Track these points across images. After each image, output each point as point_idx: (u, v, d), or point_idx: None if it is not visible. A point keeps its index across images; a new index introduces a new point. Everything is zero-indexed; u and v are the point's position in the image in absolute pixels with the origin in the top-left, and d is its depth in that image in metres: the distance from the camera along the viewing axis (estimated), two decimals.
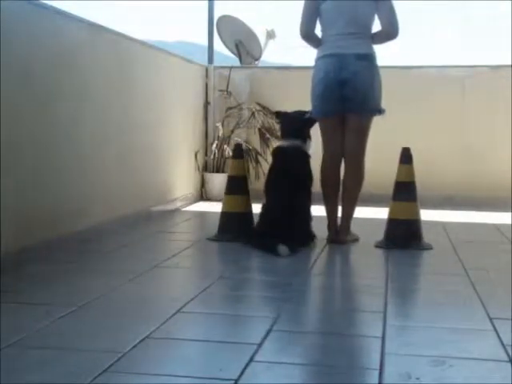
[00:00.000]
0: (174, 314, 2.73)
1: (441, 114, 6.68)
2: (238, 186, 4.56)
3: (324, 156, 4.53)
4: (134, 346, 2.33)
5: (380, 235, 4.41)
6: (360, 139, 4.42)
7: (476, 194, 6.49)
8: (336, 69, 4.28)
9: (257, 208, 4.46)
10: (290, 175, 4.29)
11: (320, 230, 4.51)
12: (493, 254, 4.23)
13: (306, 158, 4.40)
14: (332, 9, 4.33)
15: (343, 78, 4.26)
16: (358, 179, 4.45)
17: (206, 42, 7.25)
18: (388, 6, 4.31)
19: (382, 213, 4.65)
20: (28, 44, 3.67)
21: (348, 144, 4.43)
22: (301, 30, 4.46)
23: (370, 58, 4.32)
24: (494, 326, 2.63)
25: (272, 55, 8.52)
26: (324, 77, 4.33)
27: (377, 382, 2.07)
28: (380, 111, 4.40)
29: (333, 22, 4.34)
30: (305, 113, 4.48)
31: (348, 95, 4.28)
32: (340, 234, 4.46)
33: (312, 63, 4.57)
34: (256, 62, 7.64)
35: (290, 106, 6.69)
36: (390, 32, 4.36)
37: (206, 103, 6.95)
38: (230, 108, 6.89)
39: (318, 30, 4.51)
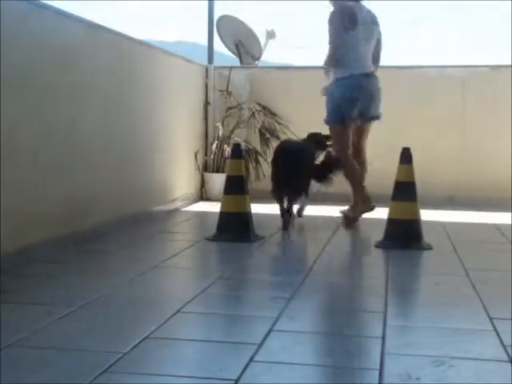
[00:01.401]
0: (174, 314, 2.73)
1: (441, 114, 6.67)
2: (236, 186, 4.55)
3: (346, 154, 5.13)
4: (134, 346, 2.33)
5: (380, 235, 4.41)
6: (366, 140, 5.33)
7: (476, 193, 6.49)
8: (357, 86, 5.04)
9: (256, 208, 4.47)
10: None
11: (313, 230, 4.51)
12: (493, 254, 4.23)
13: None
14: (358, 37, 5.05)
15: (362, 94, 5.04)
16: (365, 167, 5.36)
17: (206, 42, 7.25)
18: (380, 39, 5.26)
19: (382, 213, 4.65)
20: (28, 44, 3.67)
21: (359, 143, 5.25)
22: (333, 57, 5.05)
23: (377, 77, 5.19)
24: (494, 326, 2.63)
25: (272, 55, 8.52)
26: (350, 93, 5.04)
27: (377, 382, 2.07)
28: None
29: (356, 47, 5.05)
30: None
31: (364, 107, 5.06)
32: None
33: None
34: (256, 62, 7.64)
35: (290, 106, 6.76)
36: (376, 59, 5.25)
37: (206, 103, 6.94)
38: (230, 108, 6.89)
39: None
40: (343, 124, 5.07)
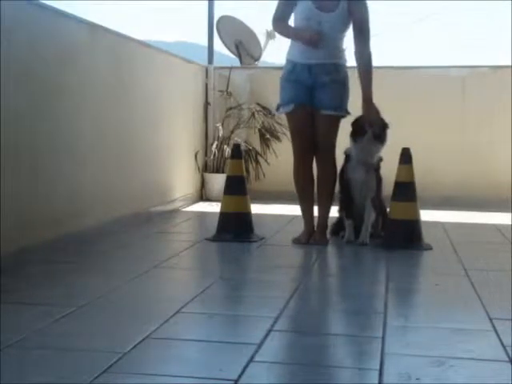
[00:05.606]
0: (174, 315, 2.73)
1: (441, 114, 6.67)
2: (236, 187, 4.55)
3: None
4: (134, 346, 2.33)
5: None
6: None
7: (476, 194, 6.49)
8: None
9: (256, 208, 4.46)
10: None
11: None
12: (493, 254, 4.23)
13: None
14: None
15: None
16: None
17: (206, 42, 7.25)
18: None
19: None
20: (28, 44, 3.67)
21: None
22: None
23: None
24: (494, 327, 2.63)
25: (272, 55, 8.52)
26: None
27: (377, 382, 2.07)
28: None
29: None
30: None
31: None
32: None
33: None
34: (256, 62, 7.64)
35: None
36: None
37: (206, 103, 6.94)
38: (230, 108, 6.89)
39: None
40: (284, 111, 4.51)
